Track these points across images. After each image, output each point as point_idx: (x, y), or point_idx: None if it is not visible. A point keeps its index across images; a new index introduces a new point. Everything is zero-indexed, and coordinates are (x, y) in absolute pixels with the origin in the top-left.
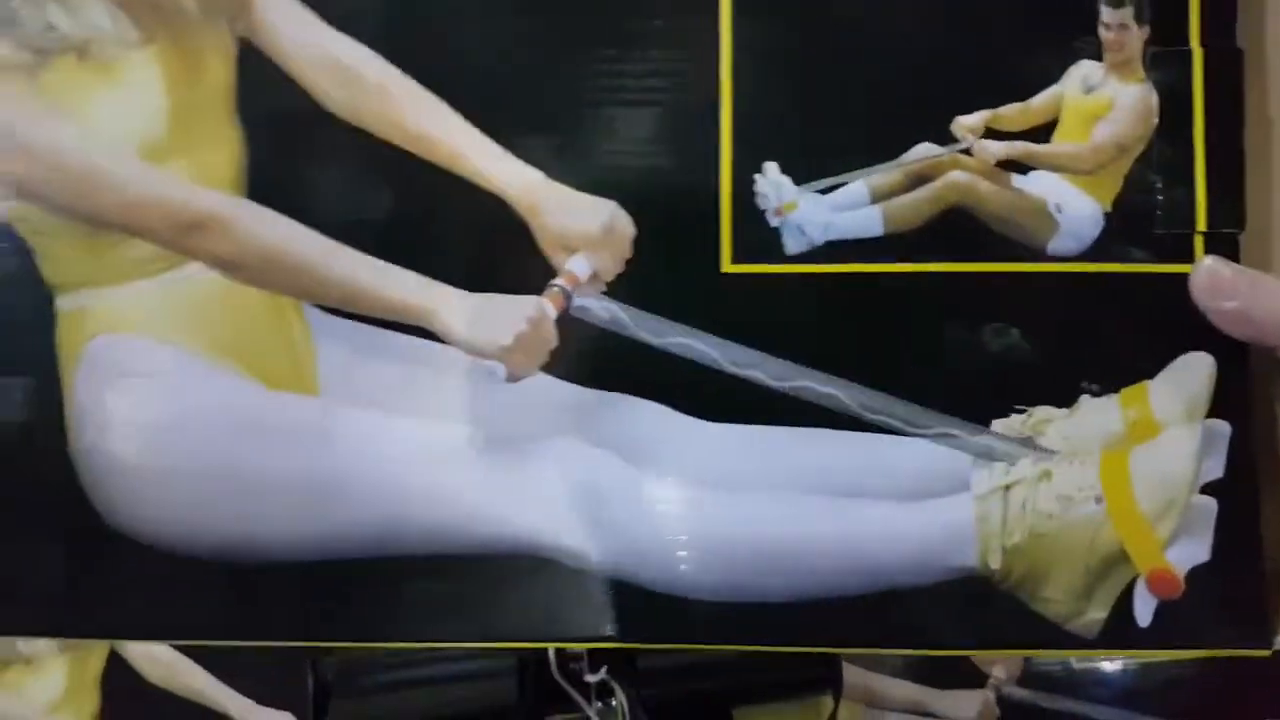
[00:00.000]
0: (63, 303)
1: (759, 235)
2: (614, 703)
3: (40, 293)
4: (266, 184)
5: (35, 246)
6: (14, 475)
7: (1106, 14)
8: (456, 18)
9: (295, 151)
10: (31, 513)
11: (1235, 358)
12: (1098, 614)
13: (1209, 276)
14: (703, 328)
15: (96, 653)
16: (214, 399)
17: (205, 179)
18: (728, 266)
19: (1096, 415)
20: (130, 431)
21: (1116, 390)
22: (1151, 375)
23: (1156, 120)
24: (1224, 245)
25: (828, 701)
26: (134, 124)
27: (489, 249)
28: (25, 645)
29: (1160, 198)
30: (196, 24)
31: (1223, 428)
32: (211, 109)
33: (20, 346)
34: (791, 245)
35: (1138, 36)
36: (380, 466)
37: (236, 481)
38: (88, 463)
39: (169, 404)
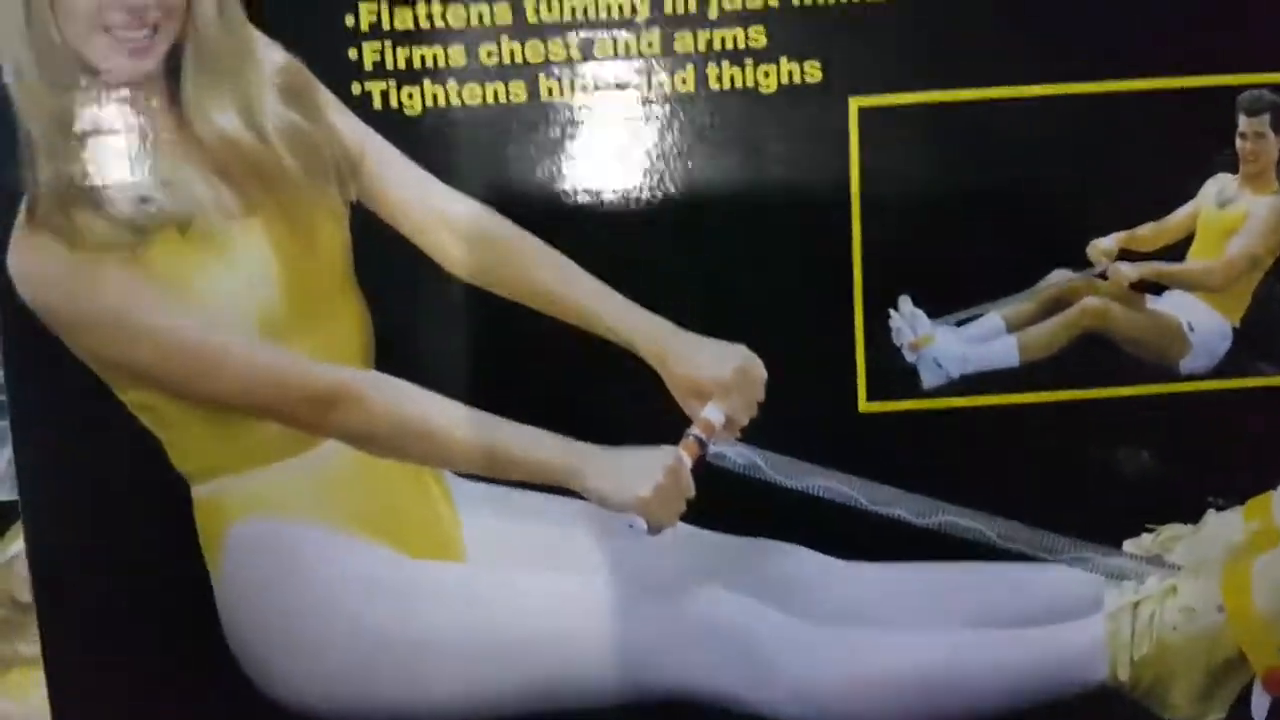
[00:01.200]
0: (199, 490)
1: (895, 371)
2: None
3: (175, 482)
4: (394, 352)
5: (162, 436)
6: (169, 657)
7: (1244, 123)
8: (571, 174)
9: (420, 317)
10: (190, 693)
11: None
12: (1217, 715)
13: None
14: (841, 467)
15: None
16: (358, 573)
17: (330, 353)
18: (864, 405)
19: (1221, 529)
20: (279, 609)
21: (1242, 502)
22: (1275, 485)
23: None
24: None
25: None
26: (249, 299)
27: (622, 402)
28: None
29: None
30: (303, 190)
31: None
32: (328, 278)
33: (160, 536)
34: (928, 380)
35: (1274, 145)
36: (533, 625)
37: (389, 651)
38: (241, 640)
39: (314, 581)
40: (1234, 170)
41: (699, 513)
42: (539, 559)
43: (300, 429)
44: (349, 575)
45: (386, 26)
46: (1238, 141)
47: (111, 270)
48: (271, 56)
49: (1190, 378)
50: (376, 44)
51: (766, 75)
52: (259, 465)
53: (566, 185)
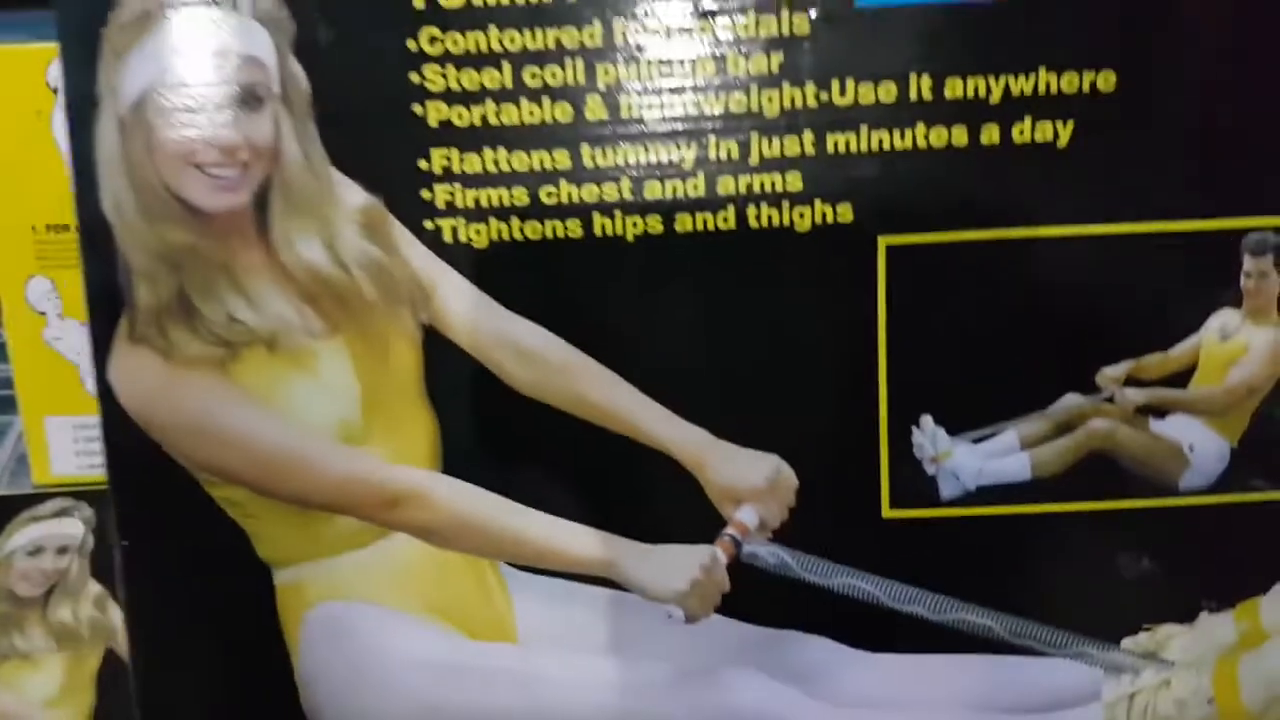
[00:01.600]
0: (280, 577)
1: (916, 482)
2: None
3: (259, 569)
4: (459, 457)
5: (247, 528)
6: None
7: (1249, 263)
8: (622, 302)
9: (484, 425)
10: None
11: None
12: None
13: None
14: (864, 568)
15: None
16: (423, 652)
17: (401, 456)
18: (887, 512)
19: (1213, 629)
20: (353, 687)
21: (1233, 605)
22: (1264, 591)
23: None
24: None
25: None
26: (330, 409)
27: (664, 504)
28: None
29: None
30: (380, 314)
31: None
32: (402, 392)
33: (245, 618)
34: (947, 491)
35: (1276, 283)
36: (578, 703)
37: None
38: (318, 717)
39: (383, 660)
40: (1237, 305)
41: (733, 605)
42: (584, 642)
43: (371, 523)
44: (415, 654)
45: (457, 170)
46: (1242, 279)
47: (203, 382)
48: (352, 196)
49: (1188, 493)
50: (448, 186)
51: (801, 215)
52: (334, 555)
53: (615, 311)
